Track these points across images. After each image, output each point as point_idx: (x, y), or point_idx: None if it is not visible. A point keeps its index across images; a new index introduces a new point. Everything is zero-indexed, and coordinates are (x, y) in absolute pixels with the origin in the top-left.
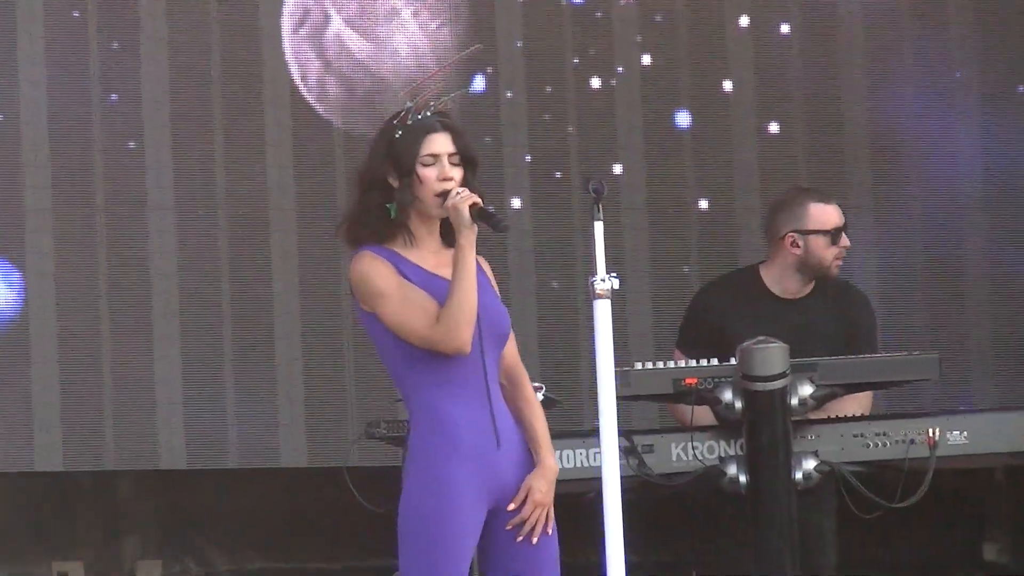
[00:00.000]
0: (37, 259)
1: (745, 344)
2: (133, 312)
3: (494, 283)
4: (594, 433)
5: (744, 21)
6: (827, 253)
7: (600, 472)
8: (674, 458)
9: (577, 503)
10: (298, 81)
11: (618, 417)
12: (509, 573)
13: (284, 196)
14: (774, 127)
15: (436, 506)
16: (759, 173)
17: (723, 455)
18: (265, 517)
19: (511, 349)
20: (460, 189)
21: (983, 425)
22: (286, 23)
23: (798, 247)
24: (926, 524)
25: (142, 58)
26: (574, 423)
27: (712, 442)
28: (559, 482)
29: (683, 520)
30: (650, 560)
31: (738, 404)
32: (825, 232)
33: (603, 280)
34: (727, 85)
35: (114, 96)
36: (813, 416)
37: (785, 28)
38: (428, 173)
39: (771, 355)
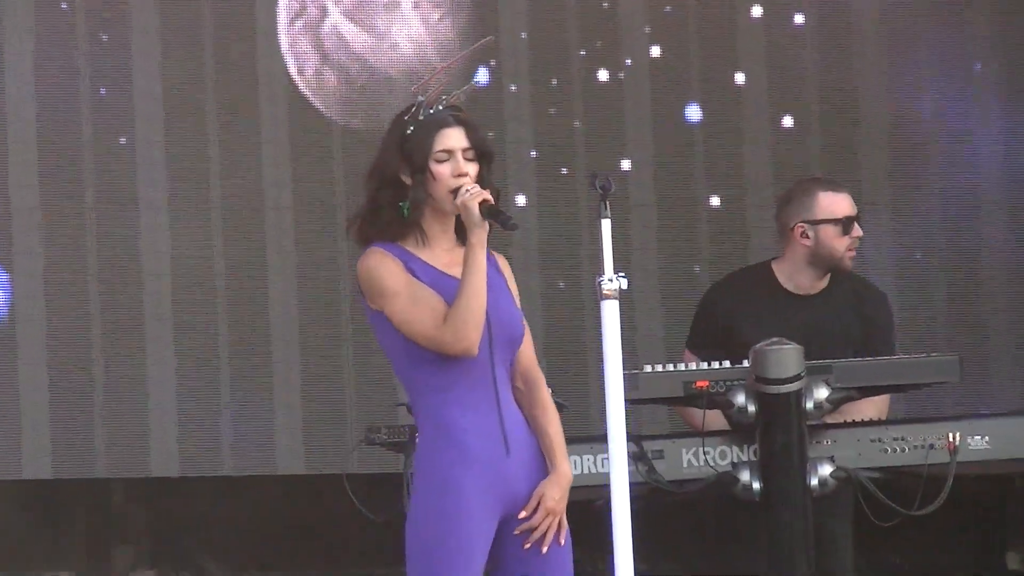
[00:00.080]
0: (25, 259)
1: (758, 345)
2: (124, 314)
3: (512, 284)
4: (602, 438)
5: (756, 11)
6: (838, 243)
7: (608, 479)
8: (685, 464)
9: (585, 511)
10: (295, 75)
11: (627, 422)
12: None
13: (281, 194)
14: (788, 121)
15: (444, 518)
16: (772, 169)
17: (736, 461)
18: (261, 526)
19: (527, 352)
20: (471, 186)
21: (1005, 429)
22: (282, 15)
23: (808, 238)
24: (946, 532)
25: (133, 51)
26: (581, 428)
27: (724, 447)
28: None
29: (694, 528)
30: (660, 569)
31: (751, 408)
32: (835, 221)
33: (611, 280)
34: (739, 77)
35: (104, 90)
36: (829, 420)
37: (799, 18)
38: (442, 169)
39: (785, 357)
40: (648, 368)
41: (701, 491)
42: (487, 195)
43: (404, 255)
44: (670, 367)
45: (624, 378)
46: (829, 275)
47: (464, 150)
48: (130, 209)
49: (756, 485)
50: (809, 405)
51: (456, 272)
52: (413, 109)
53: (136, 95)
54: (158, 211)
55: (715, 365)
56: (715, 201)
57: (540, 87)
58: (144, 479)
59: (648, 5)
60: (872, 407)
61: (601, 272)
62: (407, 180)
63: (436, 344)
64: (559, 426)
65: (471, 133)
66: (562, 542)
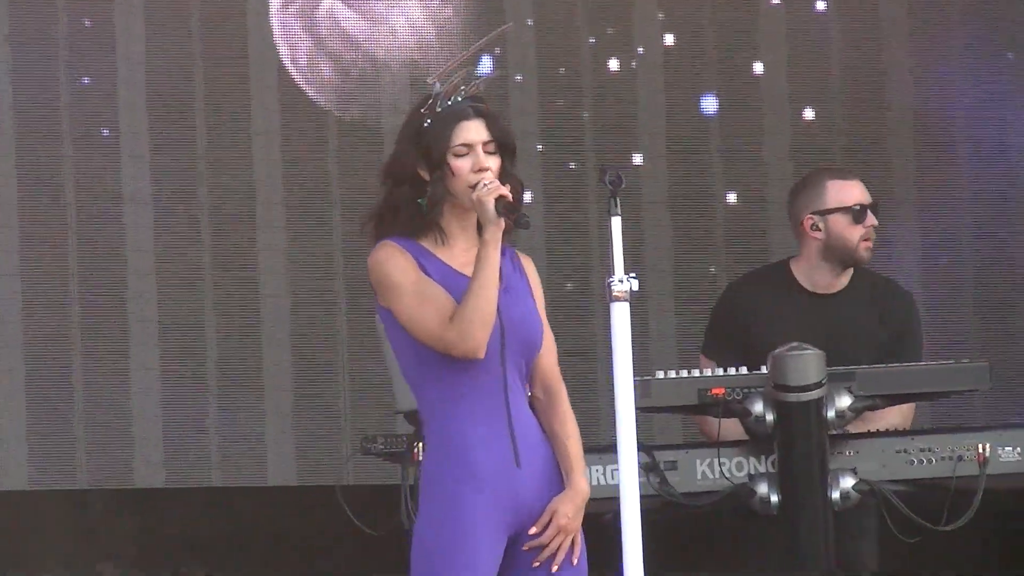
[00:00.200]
0: (1, 258)
1: (777, 351)
2: (107, 316)
3: (537, 288)
4: (611, 448)
5: None
6: (850, 233)
7: (618, 491)
8: (699, 476)
9: (594, 525)
10: (287, 62)
11: (638, 431)
12: None
13: (272, 189)
14: (809, 113)
15: (450, 535)
16: (793, 164)
17: (753, 472)
18: (251, 541)
19: (548, 360)
20: (488, 180)
21: None
22: None
23: (819, 231)
24: (975, 548)
25: (116, 37)
26: (590, 438)
27: (741, 458)
28: None
29: (709, 544)
30: None
31: (769, 417)
32: (845, 209)
33: (621, 281)
34: (758, 67)
35: (85, 79)
36: (851, 429)
37: (821, 4)
38: (461, 164)
39: (805, 363)
40: (660, 374)
41: (716, 504)
42: (504, 191)
43: (418, 251)
44: (684, 373)
45: (635, 385)
46: (851, 273)
47: (484, 143)
48: (113, 205)
49: (774, 498)
50: (830, 414)
51: (471, 272)
52: (430, 101)
53: (120, 84)
54: (142, 207)
55: (731, 371)
56: (732, 198)
57: (547, 77)
58: (128, 490)
59: None
60: (898, 415)
61: (611, 273)
62: (425, 176)
63: (441, 344)
64: (578, 440)
65: (492, 125)
66: (575, 561)
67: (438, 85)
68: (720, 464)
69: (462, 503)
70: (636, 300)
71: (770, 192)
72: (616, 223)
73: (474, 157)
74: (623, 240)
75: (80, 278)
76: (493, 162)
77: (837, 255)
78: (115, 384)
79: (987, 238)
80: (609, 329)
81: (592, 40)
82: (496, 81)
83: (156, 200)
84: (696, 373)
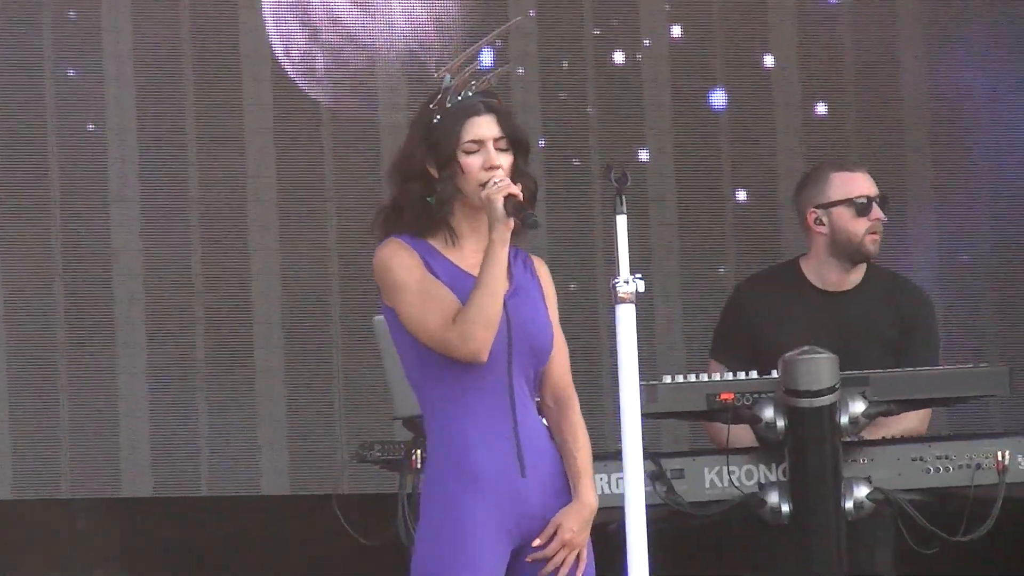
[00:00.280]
0: None
1: (788, 355)
2: (93, 318)
3: (550, 293)
4: (617, 456)
5: None
6: (855, 227)
7: (623, 500)
8: (707, 484)
9: (599, 535)
10: (280, 55)
11: (644, 438)
12: None
13: (264, 186)
14: (821, 109)
15: (451, 546)
16: (804, 161)
17: (763, 481)
18: (242, 552)
19: (560, 368)
20: (498, 178)
21: None
22: None
23: (823, 225)
24: (994, 560)
25: (103, 29)
26: (594, 445)
27: (751, 466)
28: None
29: (717, 555)
30: None
31: (780, 423)
32: (848, 202)
33: (627, 282)
34: (768, 60)
35: (71, 72)
36: (865, 436)
37: None
38: (471, 162)
39: (818, 367)
40: (667, 379)
41: (725, 514)
42: (515, 189)
43: (426, 250)
44: (691, 378)
45: (641, 390)
46: (864, 270)
47: (496, 140)
48: (99, 204)
49: (785, 508)
50: (844, 420)
51: None
52: (439, 96)
53: (107, 78)
54: (130, 205)
55: (741, 376)
56: (742, 196)
57: (550, 70)
58: (114, 499)
59: None
60: (914, 417)
61: (616, 273)
62: (434, 173)
63: (442, 345)
64: (588, 451)
65: (504, 121)
66: None
67: (448, 79)
68: (729, 472)
69: (462, 505)
70: (642, 302)
71: (781, 190)
72: (621, 222)
73: (485, 154)
74: (628, 240)
75: (65, 280)
76: (505, 159)
77: (843, 250)
78: (101, 389)
79: (1007, 238)
80: (614, 332)
81: (596, 32)
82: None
83: (144, 199)
84: (704, 377)
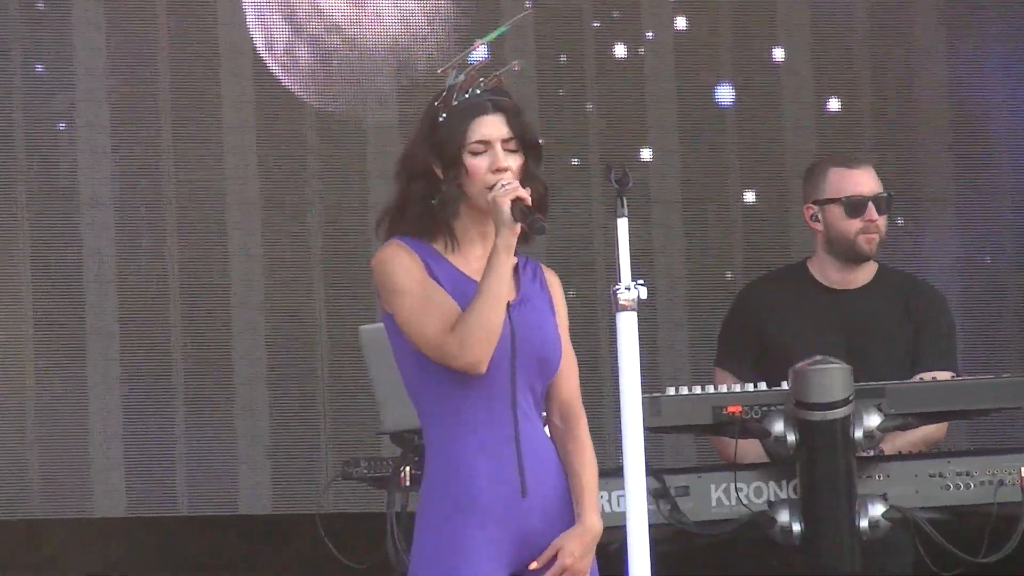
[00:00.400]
0: None
1: (799, 365)
2: (63, 328)
3: (560, 305)
4: (618, 472)
5: None
6: (846, 226)
7: (625, 519)
8: (714, 503)
9: (600, 556)
10: (262, 49)
11: (646, 453)
12: None
13: (245, 188)
14: (834, 104)
15: (446, 568)
16: (816, 159)
17: (773, 499)
18: (220, 573)
19: (568, 384)
20: (506, 181)
21: None
22: None
23: (818, 222)
24: None
25: (73, 22)
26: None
27: (760, 483)
28: None
29: None
30: None
31: (791, 437)
32: (838, 200)
33: (628, 288)
34: (778, 53)
35: (39, 67)
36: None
37: None
38: (477, 163)
39: (830, 378)
40: (671, 390)
41: (733, 534)
42: (522, 193)
43: (428, 253)
44: (697, 389)
45: (644, 402)
46: (875, 269)
47: (504, 140)
48: (70, 206)
49: (796, 527)
50: (858, 434)
51: None
52: (445, 94)
53: (78, 73)
54: (102, 208)
55: (749, 387)
56: (750, 197)
57: (547, 65)
58: (85, 520)
59: None
60: (936, 429)
61: (617, 279)
62: (440, 174)
63: (439, 354)
64: (594, 472)
65: (513, 120)
66: None
67: (454, 75)
68: (737, 489)
69: (459, 528)
70: (644, 309)
71: (791, 191)
72: (623, 225)
73: (492, 156)
74: (630, 244)
75: (34, 287)
76: (514, 161)
77: (837, 248)
78: (71, 403)
79: None
80: (615, 341)
81: (596, 24)
82: (492, 69)
83: (117, 201)
84: (710, 389)
